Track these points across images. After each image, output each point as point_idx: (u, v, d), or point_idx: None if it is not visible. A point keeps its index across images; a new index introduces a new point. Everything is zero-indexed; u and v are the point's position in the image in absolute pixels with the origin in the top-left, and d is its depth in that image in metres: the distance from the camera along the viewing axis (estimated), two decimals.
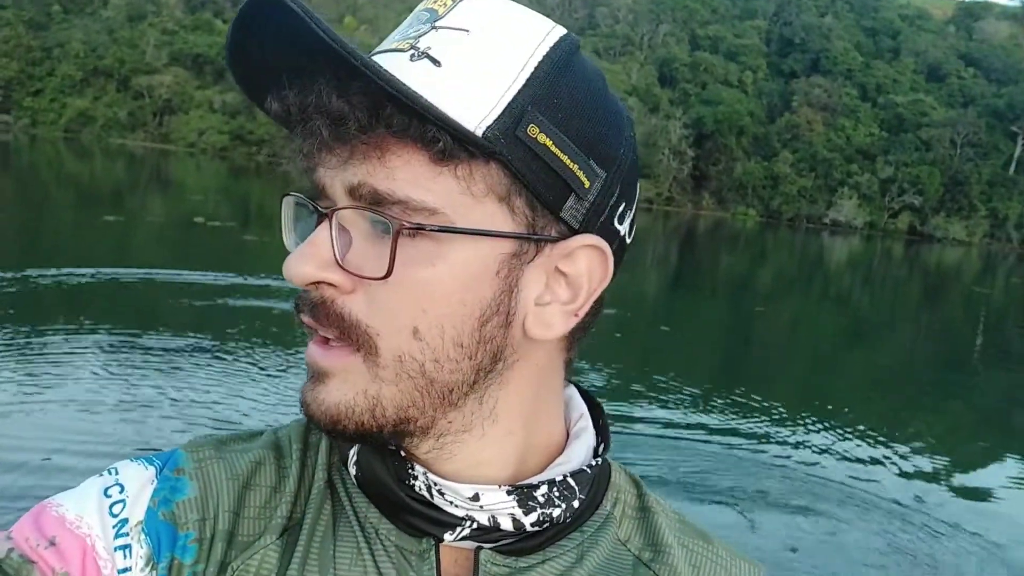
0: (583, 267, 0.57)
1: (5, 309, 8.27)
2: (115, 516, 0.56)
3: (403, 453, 0.59)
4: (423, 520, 0.58)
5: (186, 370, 6.83)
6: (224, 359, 7.24)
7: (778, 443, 6.89)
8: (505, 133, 0.52)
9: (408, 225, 0.52)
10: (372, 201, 0.52)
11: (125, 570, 0.55)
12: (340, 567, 0.58)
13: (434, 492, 0.58)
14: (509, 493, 0.58)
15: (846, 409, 8.45)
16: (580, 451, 0.64)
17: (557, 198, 0.54)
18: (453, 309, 0.54)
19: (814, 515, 5.34)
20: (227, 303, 9.70)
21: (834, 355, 12.79)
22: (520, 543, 0.60)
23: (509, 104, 0.52)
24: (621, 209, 0.58)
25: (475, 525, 0.58)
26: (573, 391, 0.68)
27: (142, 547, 0.56)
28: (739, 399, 8.12)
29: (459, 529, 0.58)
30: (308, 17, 0.48)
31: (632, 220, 0.61)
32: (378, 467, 0.59)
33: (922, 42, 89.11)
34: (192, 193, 28.11)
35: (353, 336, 0.54)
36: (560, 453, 0.63)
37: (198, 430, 5.44)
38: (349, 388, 0.55)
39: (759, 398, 8.21)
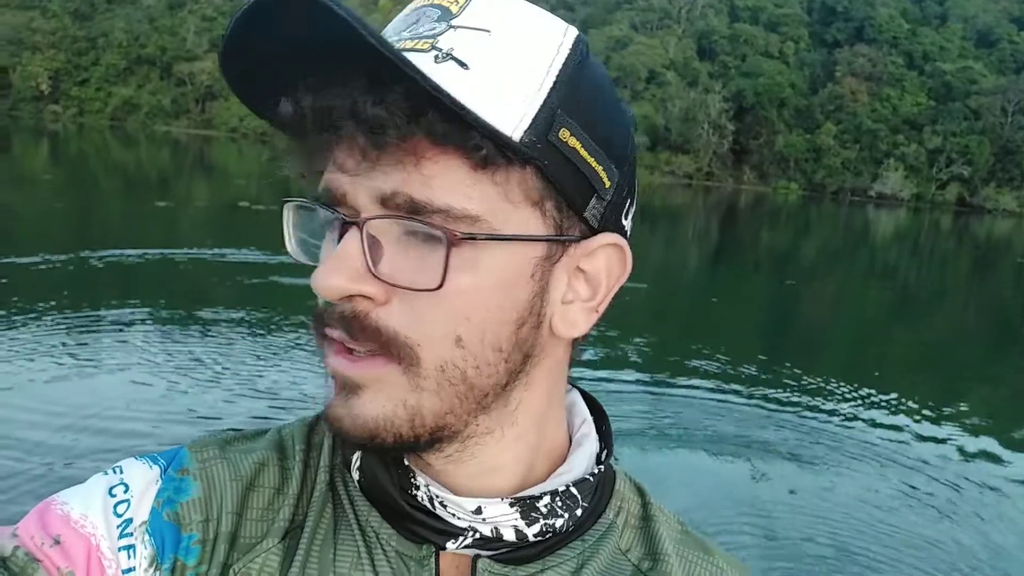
0: (602, 264, 0.58)
1: (64, 288, 8.61)
2: (119, 516, 0.56)
3: (406, 462, 0.59)
4: (425, 529, 0.58)
5: (236, 343, 7.07)
6: (273, 334, 7.47)
7: (823, 411, 6.90)
8: (539, 138, 0.52)
9: (460, 235, 0.51)
10: (409, 210, 0.51)
11: (129, 570, 0.55)
12: (340, 571, 0.58)
13: (436, 504, 0.58)
14: (512, 505, 0.58)
15: (891, 381, 8.39)
16: (583, 458, 0.63)
17: (583, 200, 0.55)
18: (493, 315, 0.54)
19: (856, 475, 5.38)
20: (277, 280, 9.99)
21: (880, 329, 12.65)
22: (519, 551, 0.59)
23: (540, 108, 0.52)
24: (627, 205, 0.59)
25: (478, 535, 0.58)
26: (576, 395, 0.68)
27: (146, 548, 0.56)
28: (784, 370, 8.13)
29: (461, 538, 0.58)
30: (349, 16, 0.46)
31: (633, 215, 0.61)
32: (381, 475, 0.59)
33: (971, 6, 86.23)
34: (235, 178, 28.67)
35: (394, 349, 0.52)
36: (563, 460, 0.63)
37: (245, 401, 5.68)
38: (386, 400, 0.53)
39: (801, 370, 8.20)
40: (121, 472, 0.59)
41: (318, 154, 0.53)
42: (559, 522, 0.60)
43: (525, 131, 0.51)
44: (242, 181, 26.09)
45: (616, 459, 0.67)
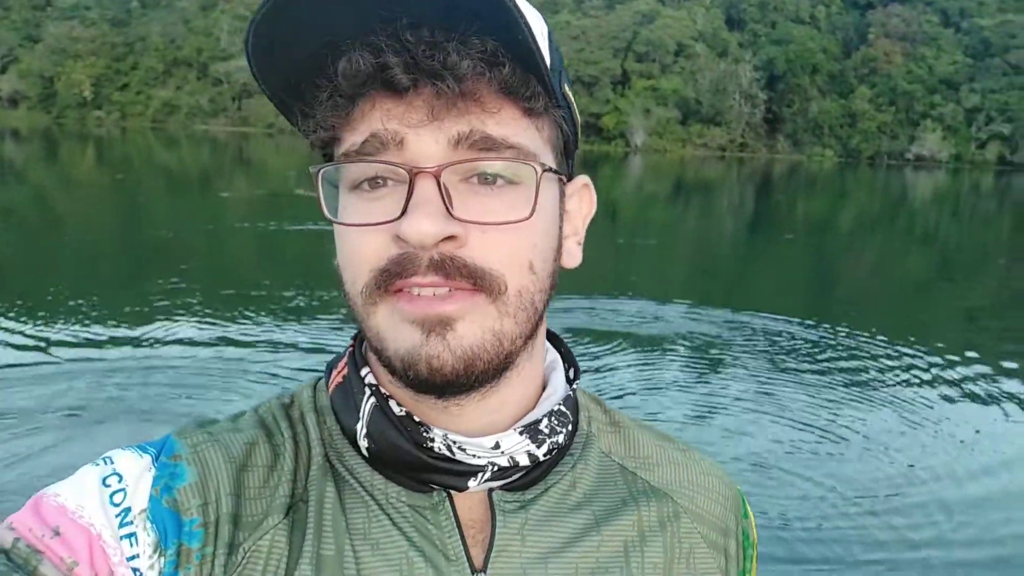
0: (576, 203, 0.66)
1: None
2: (117, 505, 0.56)
3: (417, 418, 0.61)
4: (446, 475, 0.61)
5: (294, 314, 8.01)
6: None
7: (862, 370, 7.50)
8: (559, 90, 0.59)
9: (547, 168, 0.57)
10: (484, 148, 0.55)
11: (133, 557, 0.55)
12: (356, 537, 0.60)
13: (455, 449, 0.61)
14: (521, 433, 0.62)
15: (938, 340, 8.59)
16: (560, 380, 0.69)
17: (574, 146, 0.64)
18: (548, 243, 0.60)
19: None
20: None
21: (921, 291, 12.98)
22: (523, 477, 0.64)
23: (551, 64, 0.57)
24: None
25: (496, 468, 0.62)
26: None
27: (148, 535, 0.56)
28: (827, 330, 8.80)
29: (481, 475, 0.62)
30: None
31: None
32: (393, 436, 0.61)
33: None
34: (285, 170, 29.94)
35: (484, 282, 0.56)
36: (543, 384, 0.68)
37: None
38: (479, 328, 0.56)
39: (848, 326, 8.84)
40: (112, 463, 0.59)
41: (360, 111, 0.55)
42: (560, 438, 0.65)
43: (554, 82, 0.57)
44: (292, 172, 27.41)
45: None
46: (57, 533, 0.54)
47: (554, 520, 0.64)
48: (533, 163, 0.56)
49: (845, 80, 73.49)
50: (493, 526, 0.63)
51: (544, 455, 0.64)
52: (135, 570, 0.55)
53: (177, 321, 7.63)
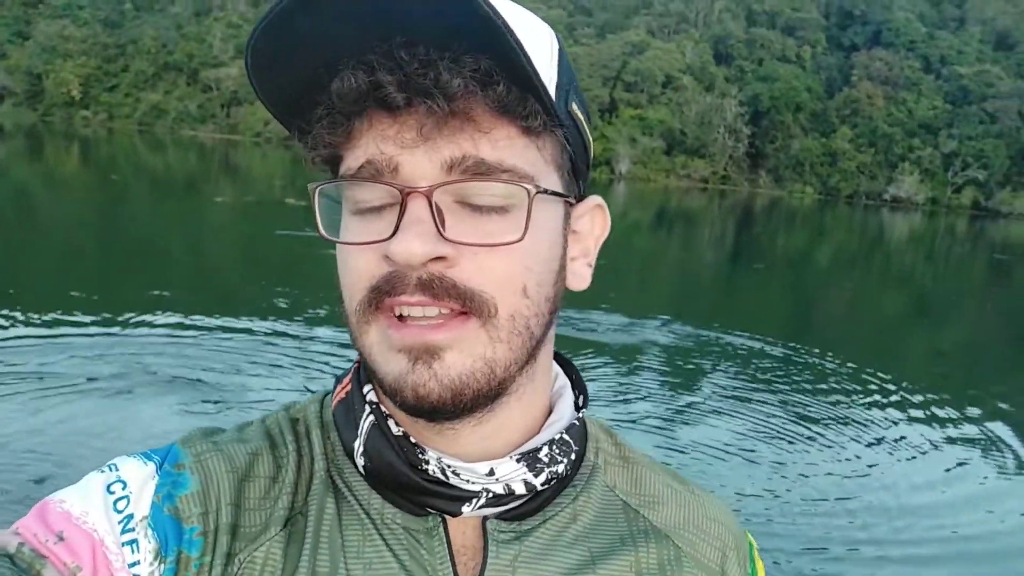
0: (587, 224, 0.65)
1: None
2: (120, 512, 0.57)
3: (413, 439, 0.61)
4: (439, 499, 0.61)
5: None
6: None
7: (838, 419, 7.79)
8: (564, 108, 0.58)
9: (541, 190, 0.56)
10: (477, 172, 0.54)
11: (134, 564, 0.56)
12: (350, 555, 0.59)
13: (448, 473, 0.60)
14: (519, 461, 0.61)
15: (903, 378, 8.67)
16: (567, 407, 0.67)
17: (583, 165, 0.63)
18: (546, 266, 0.59)
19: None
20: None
21: (896, 331, 13.12)
22: (522, 506, 0.63)
23: (558, 82, 0.57)
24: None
25: (490, 495, 0.61)
26: None
27: (149, 542, 0.56)
28: (799, 358, 9.16)
29: (475, 501, 0.61)
30: None
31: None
32: (389, 455, 0.60)
33: (990, 9, 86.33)
34: (273, 178, 30.20)
35: (473, 305, 0.55)
36: (549, 410, 0.67)
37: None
38: (468, 356, 0.55)
39: (819, 351, 9.21)
40: (116, 470, 0.60)
41: (358, 131, 0.55)
42: (560, 468, 0.63)
43: (557, 101, 0.56)
44: (281, 181, 27.67)
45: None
46: (61, 538, 0.55)
47: (549, 554, 0.63)
48: (526, 184, 0.55)
49: (827, 120, 74.97)
50: (485, 555, 0.61)
51: (542, 485, 0.62)
52: None
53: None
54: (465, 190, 0.55)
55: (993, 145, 70.06)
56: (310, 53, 0.54)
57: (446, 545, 0.61)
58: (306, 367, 6.66)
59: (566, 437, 0.65)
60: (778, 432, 6.36)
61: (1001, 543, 4.86)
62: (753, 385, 7.62)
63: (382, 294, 0.55)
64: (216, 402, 5.70)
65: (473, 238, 0.55)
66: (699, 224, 32.94)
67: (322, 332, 7.78)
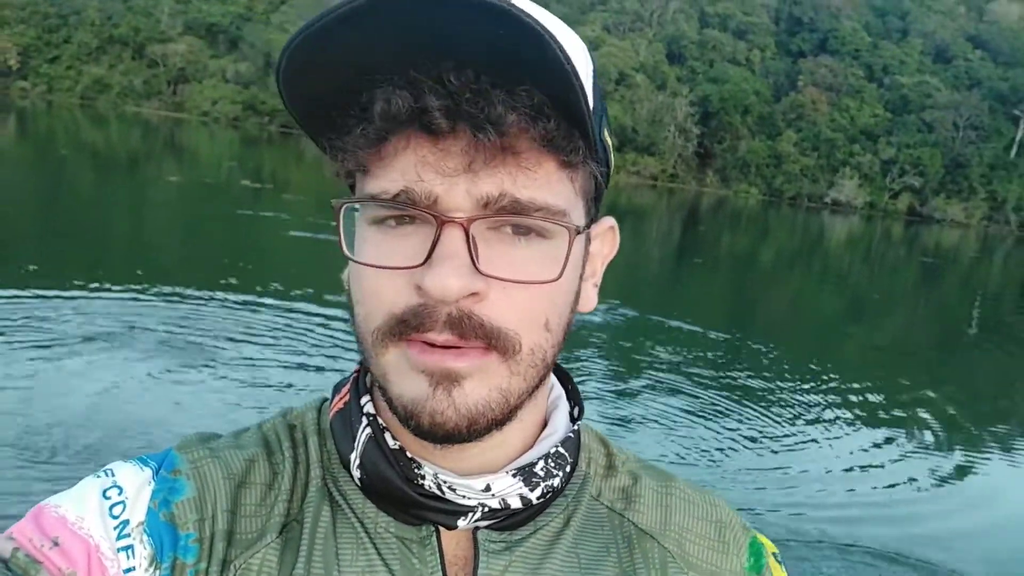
0: (599, 245, 0.64)
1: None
2: (116, 517, 0.56)
3: (409, 454, 0.60)
4: (435, 513, 0.61)
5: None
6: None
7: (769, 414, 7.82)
8: (599, 137, 0.56)
9: (580, 230, 0.55)
10: (512, 211, 0.52)
11: (129, 570, 0.55)
12: (343, 563, 0.59)
13: (444, 489, 0.60)
14: (515, 476, 0.61)
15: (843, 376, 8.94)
16: (562, 419, 0.67)
17: (605, 187, 0.61)
18: (566, 298, 0.58)
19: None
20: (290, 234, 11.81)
21: (833, 326, 13.75)
22: (512, 517, 0.62)
23: (594, 108, 0.54)
24: None
25: (486, 509, 0.61)
26: None
27: (145, 548, 0.56)
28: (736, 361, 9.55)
29: (471, 515, 0.61)
30: (528, 17, 0.46)
31: None
32: (385, 470, 0.60)
33: (931, 23, 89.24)
34: (224, 160, 29.71)
35: (501, 341, 0.54)
36: (544, 423, 0.66)
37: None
38: (485, 388, 0.55)
39: (760, 343, 9.60)
40: (113, 475, 0.59)
41: (393, 148, 0.53)
42: (556, 481, 0.63)
43: (594, 130, 0.54)
44: (232, 162, 27.36)
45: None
46: (56, 544, 0.54)
47: (539, 565, 0.63)
48: (565, 224, 0.54)
49: (774, 123, 76.66)
50: (476, 565, 0.61)
51: (537, 499, 0.63)
52: None
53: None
54: (499, 223, 0.54)
55: (929, 153, 72.58)
56: (350, 66, 0.52)
57: (438, 555, 0.61)
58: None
59: (561, 450, 0.65)
60: (720, 410, 6.71)
61: (920, 508, 5.31)
62: (696, 368, 7.98)
63: (408, 328, 0.54)
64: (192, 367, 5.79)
65: (506, 271, 0.53)
66: (647, 220, 33.52)
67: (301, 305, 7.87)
